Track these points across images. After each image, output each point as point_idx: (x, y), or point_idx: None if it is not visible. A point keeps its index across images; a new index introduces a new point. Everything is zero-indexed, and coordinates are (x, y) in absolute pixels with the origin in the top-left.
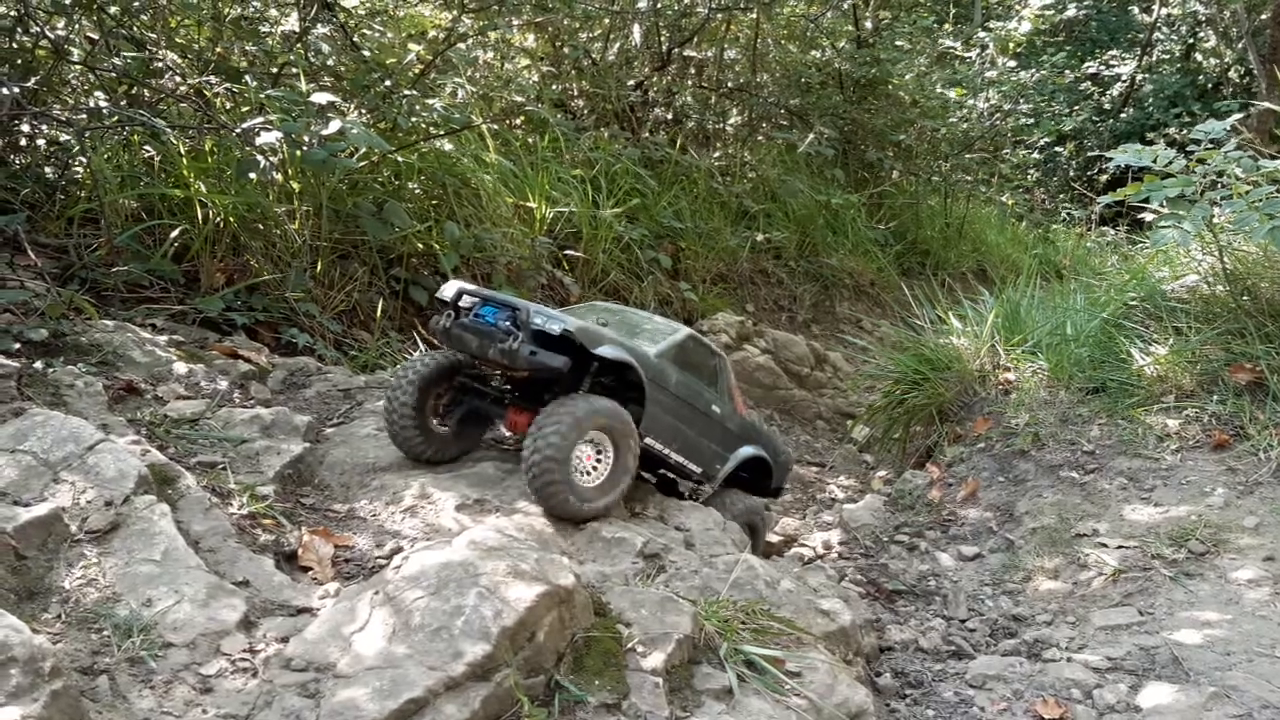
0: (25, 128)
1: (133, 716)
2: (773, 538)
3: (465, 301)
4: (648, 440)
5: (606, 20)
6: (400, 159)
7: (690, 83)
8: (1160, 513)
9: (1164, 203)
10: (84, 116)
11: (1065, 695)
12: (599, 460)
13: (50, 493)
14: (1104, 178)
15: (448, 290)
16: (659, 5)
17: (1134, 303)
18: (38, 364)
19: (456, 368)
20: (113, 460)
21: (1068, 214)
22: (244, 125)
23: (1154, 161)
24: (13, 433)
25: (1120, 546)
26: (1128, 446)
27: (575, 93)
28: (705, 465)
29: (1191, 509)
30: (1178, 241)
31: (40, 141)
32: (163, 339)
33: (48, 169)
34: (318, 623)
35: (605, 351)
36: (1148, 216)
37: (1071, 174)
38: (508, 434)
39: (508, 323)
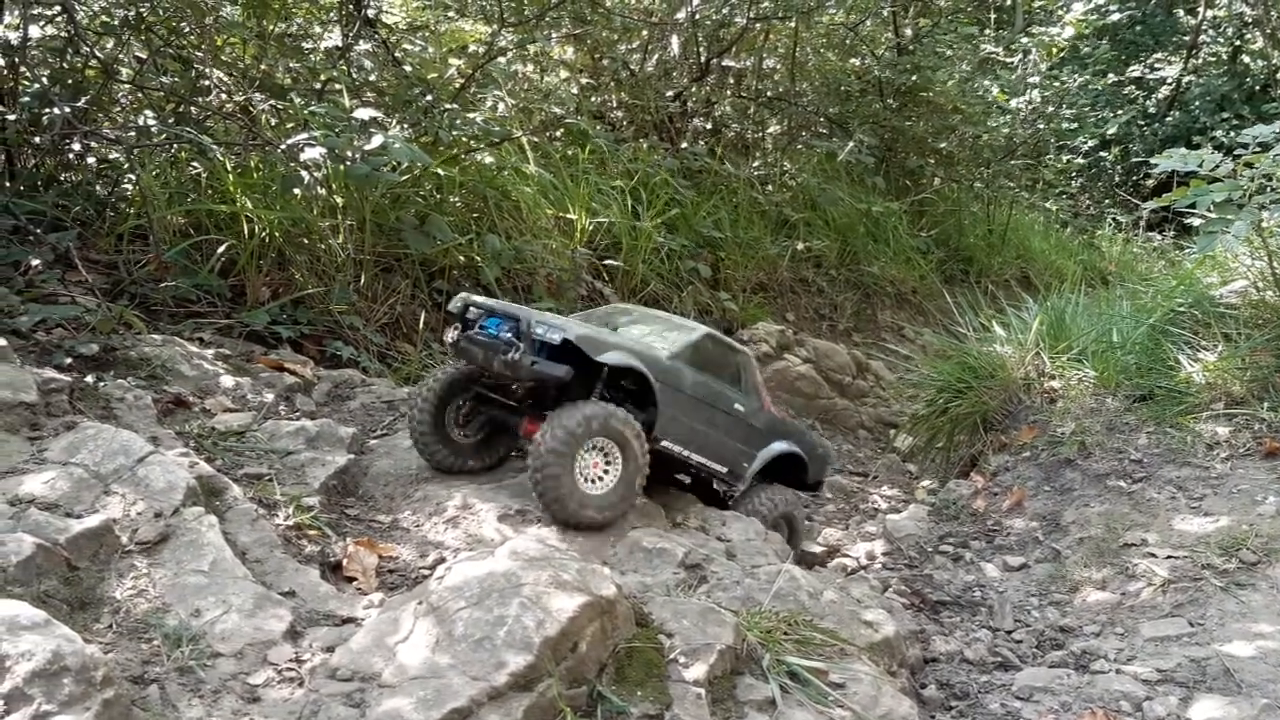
0: (76, 146)
1: None
2: (815, 548)
3: (472, 314)
4: (665, 443)
5: (645, 32)
6: (441, 172)
7: (729, 92)
8: (1210, 522)
9: (1211, 207)
10: (133, 135)
11: (1114, 707)
12: (607, 468)
13: (101, 504)
14: (1150, 182)
15: (455, 304)
16: (697, 16)
17: (1181, 309)
18: (89, 378)
19: (473, 379)
20: (162, 472)
21: (1113, 219)
22: (289, 142)
23: (1200, 166)
24: (65, 446)
25: (1169, 557)
26: (1176, 455)
27: (614, 104)
28: (731, 464)
29: (1242, 518)
30: (1226, 247)
31: (90, 160)
32: (210, 353)
33: (98, 186)
34: (362, 633)
35: (609, 358)
36: (1195, 221)
37: (1116, 179)
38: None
39: (510, 334)
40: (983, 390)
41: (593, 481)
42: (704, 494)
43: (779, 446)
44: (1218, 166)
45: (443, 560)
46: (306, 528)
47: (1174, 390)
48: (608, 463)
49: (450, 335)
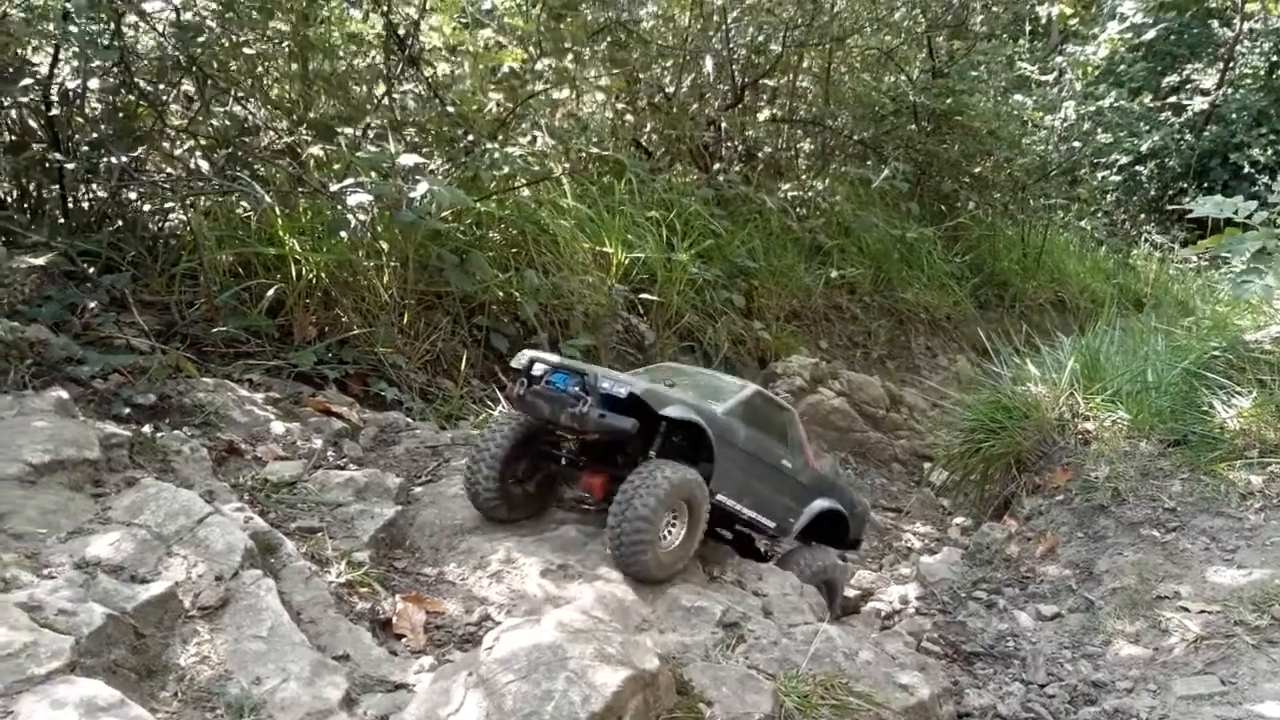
0: (133, 195)
1: None
2: (849, 592)
3: (537, 369)
4: (719, 497)
5: (682, 58)
6: (481, 208)
7: (762, 114)
8: (1243, 575)
9: (1245, 259)
10: (185, 181)
11: None
12: (674, 524)
13: (164, 566)
14: (1186, 200)
15: (520, 359)
16: (732, 43)
17: (1216, 353)
18: (146, 428)
19: (537, 435)
20: (221, 534)
21: (1149, 240)
22: (335, 188)
23: (1235, 213)
24: (128, 505)
25: (1202, 611)
26: (1210, 504)
27: (648, 130)
28: (779, 519)
29: (1275, 572)
30: (1260, 295)
31: (146, 207)
32: (259, 396)
33: (150, 226)
34: (415, 703)
35: (672, 412)
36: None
37: (1152, 194)
38: (585, 496)
39: (577, 388)
40: (1016, 430)
41: (663, 539)
42: (740, 547)
43: (822, 504)
44: (1251, 215)
45: (488, 617)
46: (358, 584)
47: (1208, 436)
48: (674, 519)
49: (515, 389)
